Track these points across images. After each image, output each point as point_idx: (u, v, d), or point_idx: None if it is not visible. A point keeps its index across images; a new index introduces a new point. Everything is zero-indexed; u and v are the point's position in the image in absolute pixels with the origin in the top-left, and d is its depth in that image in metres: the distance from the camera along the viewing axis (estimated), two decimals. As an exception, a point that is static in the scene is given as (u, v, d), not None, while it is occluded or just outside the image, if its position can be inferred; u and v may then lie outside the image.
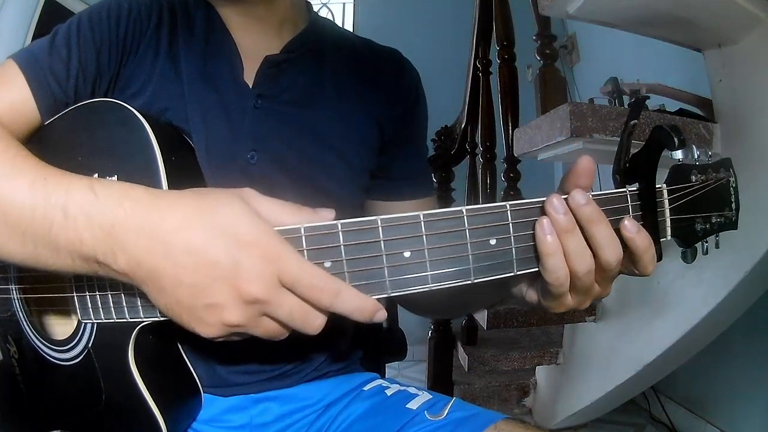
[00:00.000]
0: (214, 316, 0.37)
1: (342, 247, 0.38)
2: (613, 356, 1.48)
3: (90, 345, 0.50)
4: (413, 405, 0.60)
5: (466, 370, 1.71)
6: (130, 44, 0.58)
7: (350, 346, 0.71)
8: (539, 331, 1.84)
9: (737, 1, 0.96)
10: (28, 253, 0.40)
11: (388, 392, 0.65)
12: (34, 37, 1.96)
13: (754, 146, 1.02)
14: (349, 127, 0.64)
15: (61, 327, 0.56)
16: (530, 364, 1.74)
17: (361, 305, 0.37)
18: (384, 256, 0.38)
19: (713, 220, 0.44)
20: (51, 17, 1.98)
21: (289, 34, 0.65)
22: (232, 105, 0.60)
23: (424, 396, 0.62)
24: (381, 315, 0.38)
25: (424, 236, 0.38)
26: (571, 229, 0.39)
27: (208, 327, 0.38)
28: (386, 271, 0.38)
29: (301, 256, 0.37)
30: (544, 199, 0.40)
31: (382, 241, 0.38)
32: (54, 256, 0.39)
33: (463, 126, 1.93)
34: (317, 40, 0.67)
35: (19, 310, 0.57)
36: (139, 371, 0.48)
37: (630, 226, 0.40)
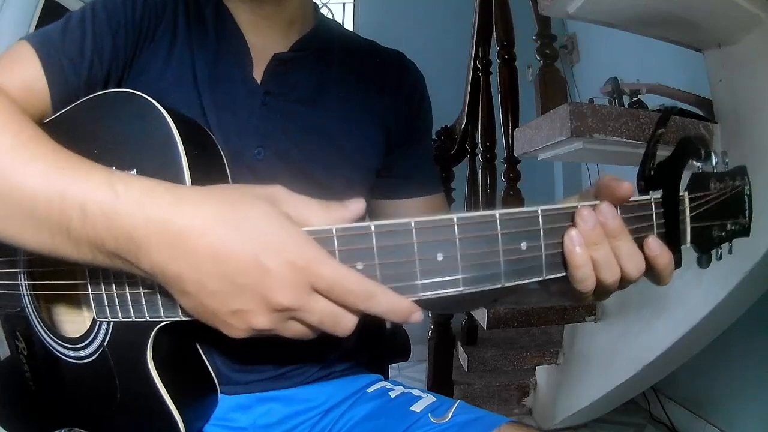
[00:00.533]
0: (241, 321, 0.36)
1: (375, 249, 0.37)
2: (613, 356, 1.48)
3: (105, 344, 0.49)
4: (417, 407, 0.60)
5: (466, 370, 1.71)
6: (147, 29, 0.58)
7: (355, 347, 0.71)
8: (539, 331, 1.84)
9: (737, 1, 0.96)
10: (45, 243, 0.39)
11: (392, 394, 0.65)
12: (34, 37, 1.96)
13: (754, 146, 1.02)
14: (355, 127, 0.65)
15: (72, 325, 0.56)
16: (530, 364, 1.74)
17: (397, 306, 0.36)
18: (417, 258, 0.38)
19: (728, 228, 0.45)
20: (51, 17, 1.97)
21: (297, 34, 0.65)
22: (240, 101, 0.60)
23: (429, 399, 0.62)
24: (417, 316, 0.37)
25: (457, 239, 0.38)
26: (600, 241, 0.39)
27: (234, 330, 0.37)
28: (418, 274, 0.38)
29: (333, 258, 0.36)
30: (575, 205, 0.40)
31: (415, 244, 0.37)
32: (73, 249, 0.38)
33: (463, 126, 1.93)
34: (325, 40, 0.67)
35: (28, 306, 0.56)
36: (157, 371, 0.47)
37: (653, 245, 0.41)
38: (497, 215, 0.38)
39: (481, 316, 1.52)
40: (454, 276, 0.38)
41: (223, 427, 0.60)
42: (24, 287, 0.56)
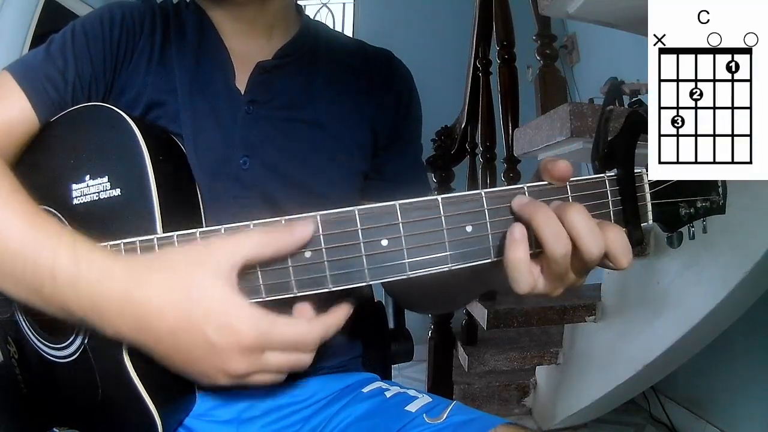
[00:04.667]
0: (208, 381, 0.41)
1: (321, 237, 0.39)
2: (613, 356, 1.48)
3: (86, 341, 0.51)
4: (412, 408, 0.60)
5: (466, 370, 1.71)
6: (124, 50, 0.59)
7: (347, 345, 0.70)
8: (539, 331, 1.84)
9: (737, 1, 0.96)
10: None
11: (388, 394, 0.64)
12: (34, 37, 1.96)
13: (754, 146, 1.02)
14: (342, 131, 0.65)
15: (58, 325, 0.56)
16: (530, 364, 1.74)
17: (339, 323, 0.42)
18: (362, 244, 0.39)
19: (698, 205, 0.44)
20: (51, 17, 1.98)
21: (280, 39, 0.65)
22: (223, 111, 0.60)
23: (424, 399, 0.62)
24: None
25: (401, 224, 0.39)
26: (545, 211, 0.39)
27: (206, 382, 0.42)
28: (364, 260, 0.39)
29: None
30: (520, 186, 0.40)
31: (359, 230, 0.39)
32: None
33: (463, 126, 1.93)
34: (310, 44, 0.67)
35: (18, 309, 0.57)
36: (133, 365, 0.48)
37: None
38: (439, 199, 0.39)
39: (481, 315, 1.52)
40: (399, 261, 0.39)
41: (206, 421, 0.61)
42: None
